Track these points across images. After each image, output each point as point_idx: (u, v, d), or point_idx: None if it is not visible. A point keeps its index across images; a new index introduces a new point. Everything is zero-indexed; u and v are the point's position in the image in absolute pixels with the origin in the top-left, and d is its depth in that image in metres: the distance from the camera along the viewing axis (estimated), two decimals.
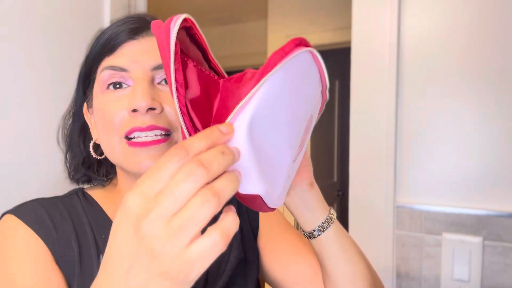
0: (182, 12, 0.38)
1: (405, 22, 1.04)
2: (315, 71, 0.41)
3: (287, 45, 0.35)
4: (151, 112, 0.54)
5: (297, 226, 0.61)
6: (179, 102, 0.36)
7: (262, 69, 0.34)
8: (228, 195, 0.32)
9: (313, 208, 0.55)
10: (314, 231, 0.55)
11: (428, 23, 1.02)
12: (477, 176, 0.98)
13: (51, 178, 0.92)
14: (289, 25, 2.67)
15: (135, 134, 0.54)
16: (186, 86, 0.37)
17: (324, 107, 0.48)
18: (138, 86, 0.54)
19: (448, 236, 0.99)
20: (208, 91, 0.38)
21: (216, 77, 0.39)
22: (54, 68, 0.93)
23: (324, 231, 0.55)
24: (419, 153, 1.03)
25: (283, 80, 0.35)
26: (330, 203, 3.13)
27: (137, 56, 0.56)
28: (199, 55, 0.42)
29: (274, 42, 2.72)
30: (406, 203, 1.04)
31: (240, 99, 0.34)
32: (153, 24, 0.40)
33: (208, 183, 0.32)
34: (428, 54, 1.02)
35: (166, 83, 0.56)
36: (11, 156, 0.84)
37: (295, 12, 2.64)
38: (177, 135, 0.56)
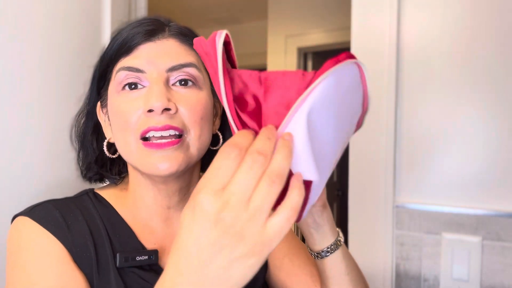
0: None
1: (404, 22, 1.04)
2: (359, 85, 0.46)
3: (341, 56, 0.41)
4: (166, 112, 0.55)
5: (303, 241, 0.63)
6: (228, 105, 0.41)
7: (319, 71, 0.40)
8: (286, 170, 0.37)
9: (324, 230, 0.56)
10: (322, 251, 0.57)
11: (428, 23, 1.02)
12: (476, 176, 0.98)
13: (61, 178, 0.92)
14: (289, 26, 2.67)
15: (150, 133, 0.55)
16: (232, 89, 0.42)
17: (364, 121, 0.51)
18: (154, 87, 0.55)
19: (447, 236, 0.99)
20: (249, 87, 0.43)
21: (254, 73, 0.43)
22: (57, 67, 0.93)
23: (332, 253, 0.57)
24: (419, 153, 1.03)
25: (336, 83, 0.40)
26: (330, 202, 3.12)
27: (153, 58, 0.57)
28: (229, 65, 0.47)
29: (274, 43, 2.72)
30: (406, 203, 1.04)
31: (297, 91, 0.40)
32: (196, 40, 0.43)
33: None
34: (427, 54, 1.02)
35: (181, 84, 0.58)
36: (19, 156, 0.84)
37: (295, 13, 2.64)
38: (188, 137, 0.57)
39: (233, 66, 0.46)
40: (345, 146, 0.48)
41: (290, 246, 0.70)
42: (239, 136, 0.38)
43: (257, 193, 0.35)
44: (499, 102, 0.96)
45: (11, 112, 0.83)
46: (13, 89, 0.84)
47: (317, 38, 2.59)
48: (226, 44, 0.44)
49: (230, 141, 0.37)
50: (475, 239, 0.97)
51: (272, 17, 2.72)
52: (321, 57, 2.85)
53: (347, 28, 2.33)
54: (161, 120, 0.54)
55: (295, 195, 0.37)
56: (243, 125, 0.41)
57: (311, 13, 2.59)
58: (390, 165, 1.04)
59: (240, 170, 0.36)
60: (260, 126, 0.41)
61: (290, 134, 0.38)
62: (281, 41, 2.69)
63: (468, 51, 0.98)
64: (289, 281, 0.68)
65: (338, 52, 0.48)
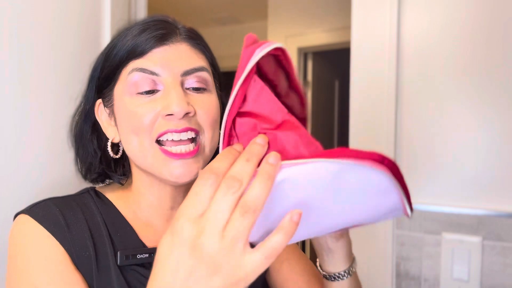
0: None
1: (404, 22, 1.04)
2: (389, 185, 0.38)
3: (366, 154, 0.35)
4: (186, 116, 0.55)
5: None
6: (227, 121, 0.40)
7: (329, 152, 0.36)
8: (262, 200, 0.35)
9: (335, 256, 0.55)
10: (330, 275, 0.56)
11: (428, 23, 1.02)
12: (476, 176, 0.98)
13: (62, 177, 0.92)
14: (289, 26, 2.67)
15: (168, 136, 0.55)
16: (245, 100, 0.40)
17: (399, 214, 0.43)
18: (172, 92, 0.55)
19: (447, 236, 0.99)
20: (272, 116, 0.41)
21: (285, 110, 0.41)
22: (57, 67, 0.93)
23: (340, 279, 0.56)
24: (419, 153, 1.03)
25: (339, 175, 0.36)
26: None
27: (168, 62, 0.57)
28: (283, 79, 0.44)
29: None
30: None
31: (298, 152, 0.38)
32: (247, 37, 0.43)
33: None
34: (428, 53, 1.02)
35: (194, 89, 0.59)
36: (19, 155, 0.84)
37: (295, 13, 2.64)
38: (203, 138, 0.58)
39: (289, 78, 0.44)
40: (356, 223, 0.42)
41: (289, 251, 0.71)
42: (218, 161, 0.37)
43: (230, 223, 0.35)
44: (500, 102, 0.96)
45: (11, 111, 0.83)
46: (13, 88, 0.84)
47: (317, 38, 2.59)
48: (278, 56, 0.41)
49: (208, 166, 0.37)
50: (475, 239, 0.96)
51: (272, 17, 2.72)
52: (321, 57, 2.84)
53: (347, 28, 2.34)
54: (180, 123, 0.55)
55: (280, 236, 0.35)
56: (233, 140, 0.40)
57: (311, 13, 2.59)
58: None
59: (215, 197, 0.35)
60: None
61: (277, 156, 0.36)
62: (281, 41, 2.69)
63: (469, 51, 0.98)
64: (286, 286, 0.69)
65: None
